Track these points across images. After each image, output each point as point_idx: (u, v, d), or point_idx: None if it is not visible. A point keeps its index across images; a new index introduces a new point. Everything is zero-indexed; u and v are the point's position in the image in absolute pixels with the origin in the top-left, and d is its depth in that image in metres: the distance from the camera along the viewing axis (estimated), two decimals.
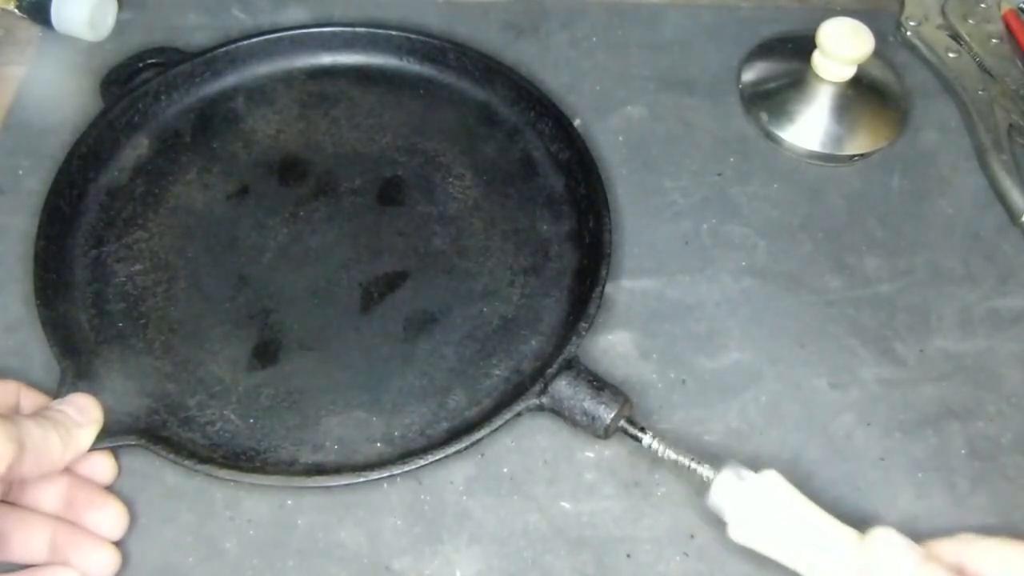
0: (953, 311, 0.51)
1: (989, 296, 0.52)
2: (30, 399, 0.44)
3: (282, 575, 0.42)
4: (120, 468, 0.44)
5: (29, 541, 0.41)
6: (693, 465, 0.43)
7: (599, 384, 0.45)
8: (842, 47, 0.55)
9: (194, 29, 0.60)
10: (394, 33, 0.59)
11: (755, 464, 0.43)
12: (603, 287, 0.49)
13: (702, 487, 0.43)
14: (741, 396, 0.48)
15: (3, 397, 0.44)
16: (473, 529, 0.44)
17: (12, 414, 0.43)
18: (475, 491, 0.45)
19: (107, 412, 0.44)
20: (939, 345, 0.50)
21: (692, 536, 0.44)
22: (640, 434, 0.44)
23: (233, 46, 0.58)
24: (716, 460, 0.43)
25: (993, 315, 0.51)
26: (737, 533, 0.41)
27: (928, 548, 0.40)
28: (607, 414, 0.44)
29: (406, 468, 0.43)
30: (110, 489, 0.44)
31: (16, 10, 0.60)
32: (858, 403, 0.48)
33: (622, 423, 0.45)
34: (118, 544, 0.42)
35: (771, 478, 0.41)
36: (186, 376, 0.47)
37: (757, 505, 0.41)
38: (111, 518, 0.42)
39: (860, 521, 0.41)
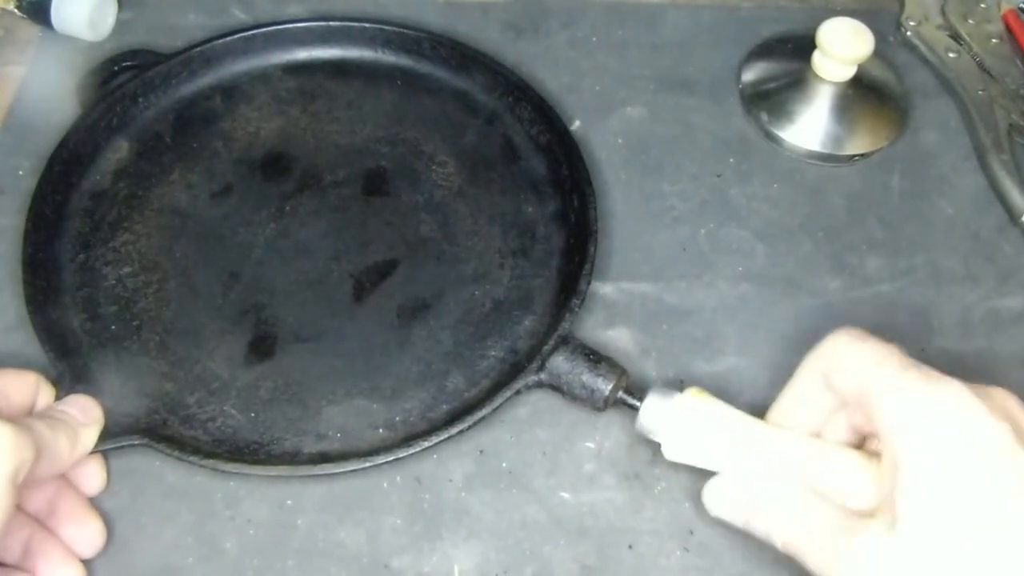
0: (953, 311, 0.51)
1: (989, 296, 0.52)
2: (46, 394, 0.44)
3: (282, 575, 0.42)
4: (120, 469, 0.44)
5: (7, 540, 0.40)
6: None
7: (596, 357, 0.45)
8: (842, 47, 0.55)
9: (194, 29, 0.60)
10: (368, 25, 0.59)
11: None
12: (592, 263, 0.49)
13: (700, 481, 0.43)
14: (738, 400, 0.48)
15: (23, 390, 0.43)
16: (472, 524, 0.44)
17: (27, 413, 0.43)
18: (474, 487, 0.45)
19: (107, 413, 0.44)
20: (939, 345, 0.50)
21: (691, 532, 0.44)
22: (639, 403, 0.45)
23: (208, 45, 0.58)
24: None
25: (993, 315, 0.51)
26: (671, 452, 0.43)
27: (793, 396, 0.42)
28: (605, 386, 0.45)
29: (410, 451, 0.44)
30: (103, 496, 0.44)
31: (16, 10, 0.60)
32: None
33: (620, 394, 0.45)
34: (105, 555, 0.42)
35: (696, 395, 0.43)
36: (183, 375, 0.47)
37: (687, 420, 0.42)
38: (88, 535, 0.42)
39: None
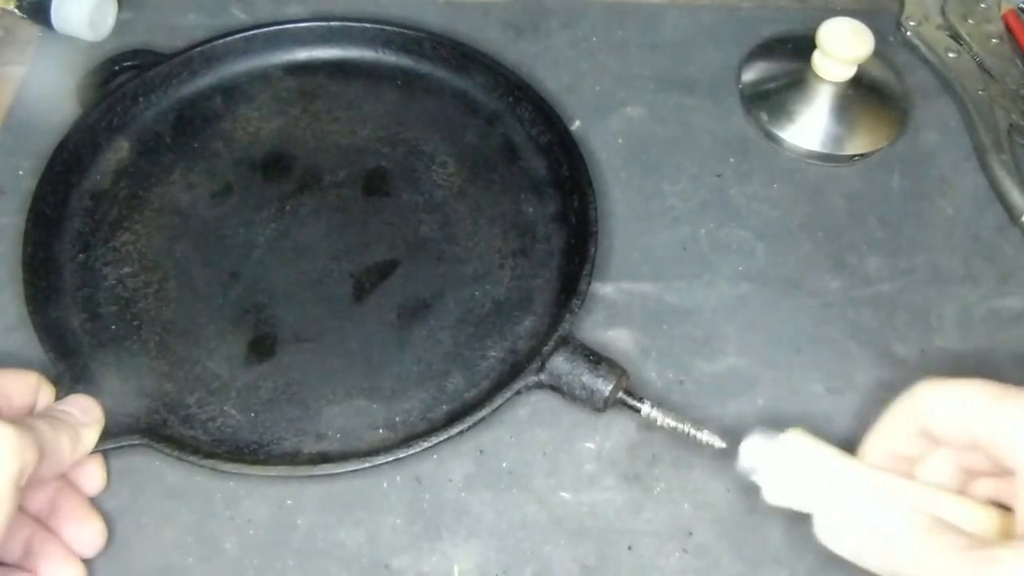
0: (953, 311, 0.51)
1: (989, 296, 0.52)
2: (46, 394, 0.44)
3: (282, 575, 0.42)
4: (120, 469, 0.44)
5: (8, 540, 0.40)
6: (693, 431, 0.44)
7: (596, 358, 0.46)
8: (842, 47, 0.55)
9: (194, 29, 0.60)
10: (368, 26, 0.59)
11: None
12: (592, 264, 0.49)
13: (699, 483, 0.44)
14: (738, 399, 0.48)
15: (24, 391, 0.43)
16: (471, 523, 0.44)
17: (28, 414, 0.43)
18: (474, 487, 0.45)
19: (107, 413, 0.44)
20: (939, 346, 0.50)
21: (690, 533, 0.44)
22: (639, 404, 0.45)
23: (208, 45, 0.58)
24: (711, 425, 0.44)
25: (993, 315, 0.51)
26: (773, 494, 0.41)
27: (880, 439, 0.40)
28: (605, 386, 0.45)
29: (410, 451, 0.44)
30: (103, 496, 0.44)
31: (16, 10, 0.60)
32: (854, 407, 0.48)
33: (620, 395, 0.45)
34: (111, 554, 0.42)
35: (797, 436, 0.41)
36: (183, 374, 0.47)
37: (791, 463, 0.40)
38: (89, 535, 0.42)
39: None
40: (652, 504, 0.45)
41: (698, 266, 0.52)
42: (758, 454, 0.41)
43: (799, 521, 0.44)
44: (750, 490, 0.45)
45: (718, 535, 0.44)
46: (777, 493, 0.41)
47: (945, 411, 0.38)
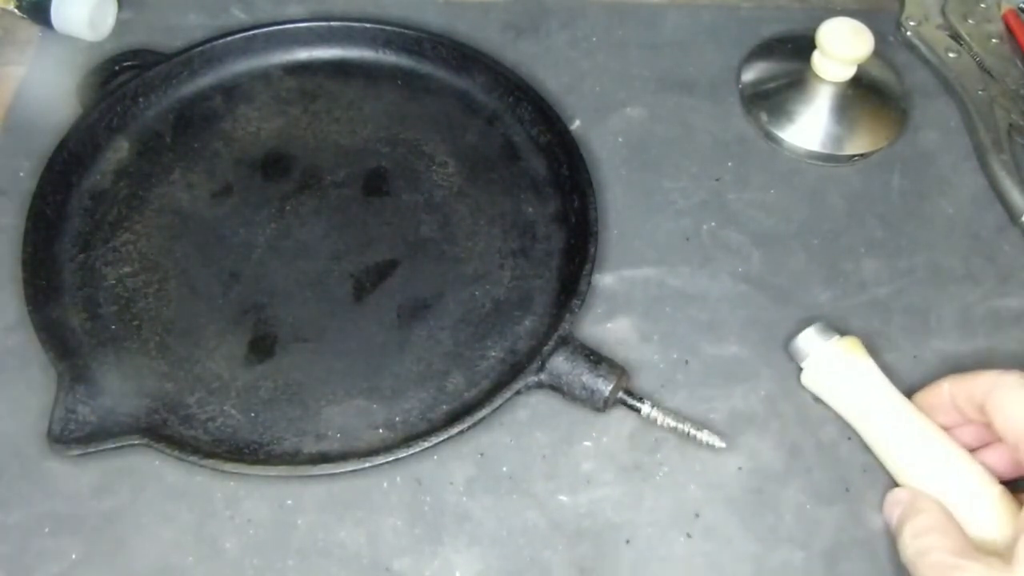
0: (953, 311, 0.51)
1: (989, 296, 0.52)
2: None
3: (282, 575, 0.42)
4: (120, 469, 0.44)
5: None
6: (693, 431, 0.44)
7: (596, 358, 0.46)
8: (842, 47, 0.55)
9: (194, 29, 0.60)
10: (368, 26, 0.59)
11: (761, 451, 0.45)
12: (592, 264, 0.49)
13: (708, 463, 0.44)
14: (742, 384, 0.48)
15: None
16: (472, 529, 0.44)
17: None
18: (475, 491, 0.45)
19: (108, 413, 0.44)
20: (938, 346, 0.50)
21: (697, 515, 0.44)
22: (639, 404, 0.45)
23: (208, 45, 0.58)
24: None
25: (993, 315, 0.51)
26: (809, 381, 0.47)
27: (958, 384, 0.44)
28: (605, 386, 0.45)
29: (410, 452, 0.44)
30: (103, 496, 0.44)
31: (16, 10, 0.60)
32: None
33: (621, 394, 0.45)
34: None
35: (852, 344, 0.46)
36: (184, 374, 0.47)
37: (837, 363, 0.46)
38: None
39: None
40: (654, 492, 0.45)
41: (701, 257, 0.53)
42: (813, 345, 0.46)
43: (812, 501, 0.44)
44: (760, 469, 0.45)
45: (730, 512, 0.44)
46: (814, 382, 0.47)
47: (1016, 411, 0.41)
